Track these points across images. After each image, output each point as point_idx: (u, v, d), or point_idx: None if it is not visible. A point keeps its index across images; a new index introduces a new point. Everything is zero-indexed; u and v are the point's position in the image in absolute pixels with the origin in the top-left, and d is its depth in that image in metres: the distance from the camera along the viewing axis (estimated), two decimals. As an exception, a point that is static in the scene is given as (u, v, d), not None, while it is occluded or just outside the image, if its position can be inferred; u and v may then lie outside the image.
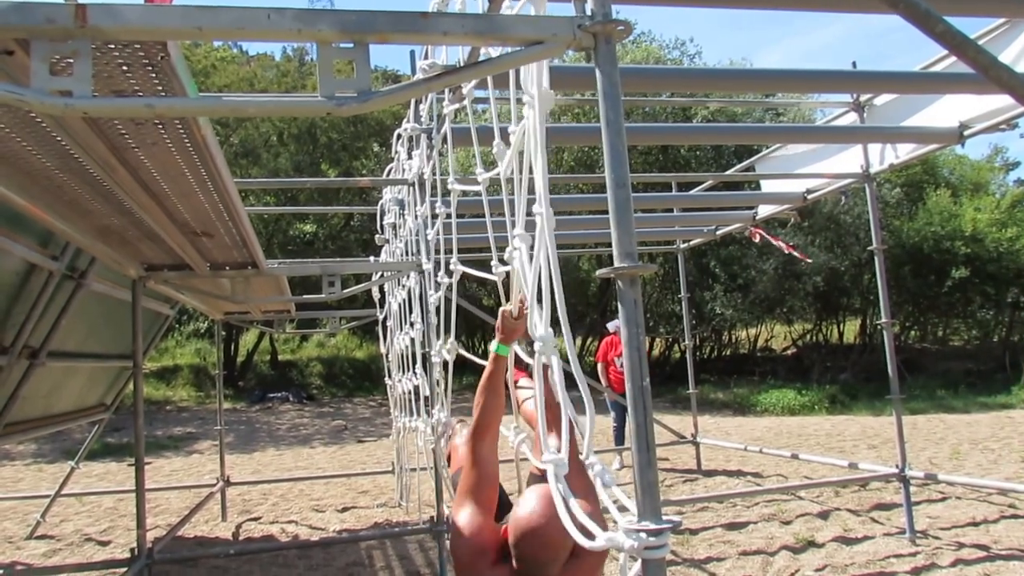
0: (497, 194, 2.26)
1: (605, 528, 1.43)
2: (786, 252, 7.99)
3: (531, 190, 1.70)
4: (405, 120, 4.33)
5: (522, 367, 2.75)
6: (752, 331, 23.09)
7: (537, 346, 1.62)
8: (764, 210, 7.28)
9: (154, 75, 1.67)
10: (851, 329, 22.28)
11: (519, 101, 1.79)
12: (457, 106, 3.01)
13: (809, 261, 11.53)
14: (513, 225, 1.91)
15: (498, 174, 2.09)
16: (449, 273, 3.00)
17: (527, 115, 1.71)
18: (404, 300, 4.63)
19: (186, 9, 1.35)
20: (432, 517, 4.56)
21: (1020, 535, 5.30)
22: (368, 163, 20.06)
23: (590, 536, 1.39)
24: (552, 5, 1.78)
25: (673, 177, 8.55)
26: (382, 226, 5.75)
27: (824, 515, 6.15)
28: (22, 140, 2.08)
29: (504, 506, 2.35)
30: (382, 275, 5.16)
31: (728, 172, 8.52)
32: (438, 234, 3.34)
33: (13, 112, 1.86)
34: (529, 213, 1.73)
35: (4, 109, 1.83)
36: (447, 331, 3.12)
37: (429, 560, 5.39)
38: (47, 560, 5.77)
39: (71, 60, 1.32)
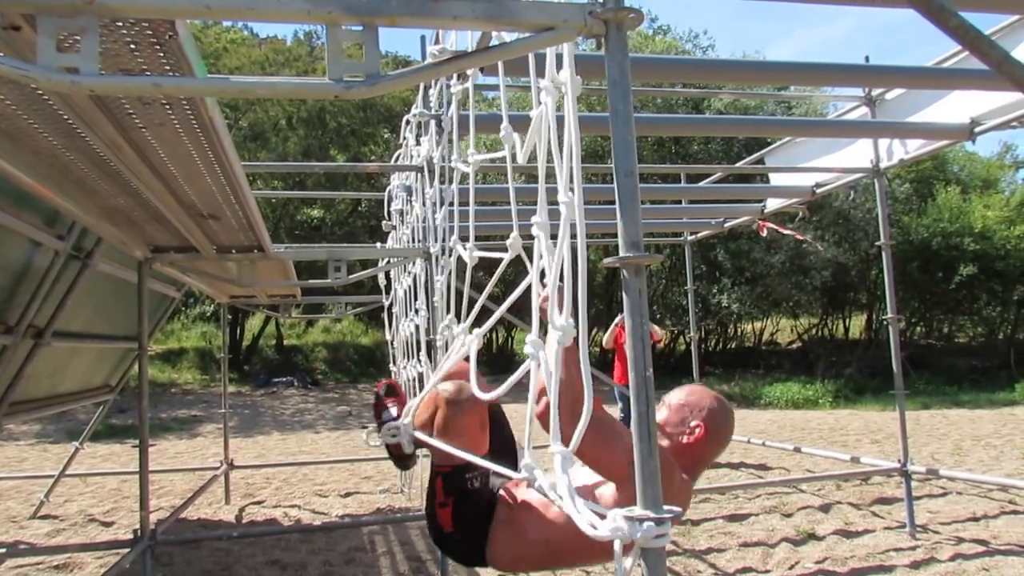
0: (504, 182, 2.23)
1: None
2: (797, 239, 7.93)
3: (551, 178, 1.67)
4: (414, 106, 4.31)
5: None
6: (758, 324, 23.08)
7: (557, 335, 1.56)
8: (773, 203, 7.23)
9: (162, 54, 1.65)
10: (857, 324, 22.27)
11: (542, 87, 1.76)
12: (463, 86, 2.97)
13: (820, 248, 11.46)
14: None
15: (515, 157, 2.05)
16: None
17: (546, 101, 1.68)
18: (410, 287, 4.61)
19: (194, -13, 1.34)
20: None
21: (1019, 531, 5.30)
22: (377, 149, 20.06)
23: (592, 526, 1.39)
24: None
25: (682, 168, 8.50)
26: (389, 212, 5.74)
27: (825, 508, 6.15)
28: (29, 118, 2.07)
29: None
30: (388, 261, 5.14)
31: (737, 164, 8.46)
32: (446, 219, 3.30)
33: (20, 89, 1.85)
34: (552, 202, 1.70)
35: (11, 86, 1.83)
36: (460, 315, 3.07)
37: (431, 546, 5.41)
38: (50, 540, 5.82)
39: (78, 37, 1.31)
